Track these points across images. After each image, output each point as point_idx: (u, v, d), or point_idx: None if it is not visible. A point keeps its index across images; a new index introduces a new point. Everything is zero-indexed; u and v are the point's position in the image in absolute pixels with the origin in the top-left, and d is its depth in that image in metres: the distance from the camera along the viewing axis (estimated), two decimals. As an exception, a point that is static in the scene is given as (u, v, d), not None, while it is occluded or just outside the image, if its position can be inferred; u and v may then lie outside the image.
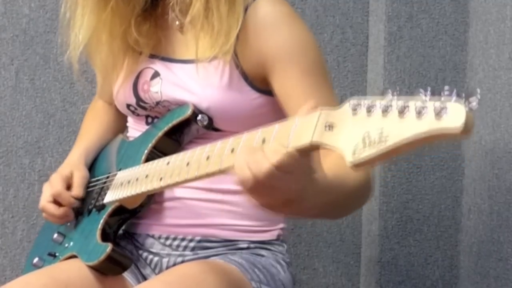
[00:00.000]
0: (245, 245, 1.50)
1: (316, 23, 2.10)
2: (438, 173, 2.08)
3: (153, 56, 1.53)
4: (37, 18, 2.04)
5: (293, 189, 1.09)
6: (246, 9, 1.44)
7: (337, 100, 1.47)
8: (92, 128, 1.70)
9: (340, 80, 2.13)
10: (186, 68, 1.48)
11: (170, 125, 1.47)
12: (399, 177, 2.07)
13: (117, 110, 1.66)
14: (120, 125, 1.69)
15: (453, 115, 0.90)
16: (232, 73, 1.44)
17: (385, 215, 2.08)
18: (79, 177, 1.59)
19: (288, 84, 1.43)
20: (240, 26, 1.42)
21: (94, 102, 1.80)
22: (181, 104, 1.47)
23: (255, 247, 1.50)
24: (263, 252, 1.51)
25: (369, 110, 0.98)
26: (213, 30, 1.42)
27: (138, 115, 1.56)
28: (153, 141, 1.48)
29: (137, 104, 1.54)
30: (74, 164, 1.61)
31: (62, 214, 1.56)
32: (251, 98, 1.46)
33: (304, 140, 1.06)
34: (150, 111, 1.54)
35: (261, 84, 1.46)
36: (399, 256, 2.09)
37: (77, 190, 1.57)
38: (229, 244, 1.50)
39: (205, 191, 1.49)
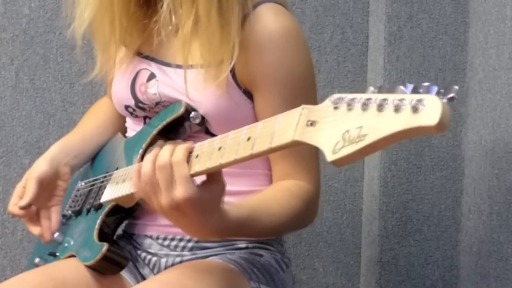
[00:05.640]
0: (243, 245, 1.50)
1: (316, 23, 2.10)
2: (438, 173, 2.08)
3: (147, 57, 1.53)
4: (37, 18, 2.04)
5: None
6: (246, 16, 1.42)
7: None
8: (86, 124, 1.69)
9: (340, 80, 2.13)
10: (181, 73, 1.47)
11: (164, 123, 1.48)
12: (399, 177, 2.07)
13: None
14: (121, 123, 1.68)
15: (429, 109, 0.90)
16: (228, 82, 1.44)
17: (385, 215, 2.08)
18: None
19: (268, 106, 1.43)
20: (240, 37, 1.40)
21: (99, 100, 1.80)
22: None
23: (254, 247, 1.50)
24: (262, 252, 1.50)
25: (349, 105, 0.98)
26: (202, 52, 1.42)
27: (136, 116, 1.56)
28: (148, 140, 1.48)
29: (136, 105, 1.54)
30: (35, 167, 1.57)
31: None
32: (246, 106, 1.46)
33: (286, 138, 1.06)
34: (149, 112, 1.54)
35: (251, 94, 1.46)
36: (399, 256, 2.08)
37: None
38: (228, 244, 1.49)
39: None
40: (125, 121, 1.63)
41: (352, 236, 2.16)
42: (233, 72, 1.43)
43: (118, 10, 1.48)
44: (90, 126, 1.67)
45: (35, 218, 1.56)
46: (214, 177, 1.20)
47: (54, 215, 1.57)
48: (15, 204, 1.55)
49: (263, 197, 1.39)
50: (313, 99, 1.48)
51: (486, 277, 1.95)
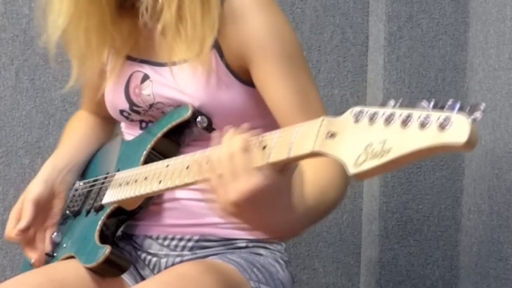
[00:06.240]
0: (243, 244, 1.50)
1: (316, 23, 2.10)
2: (438, 173, 2.08)
3: (138, 60, 1.52)
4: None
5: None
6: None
7: (316, 89, 1.47)
8: (71, 137, 1.68)
9: (340, 80, 2.13)
10: (172, 70, 1.46)
11: (170, 126, 1.46)
12: (399, 177, 2.07)
13: (98, 118, 1.66)
14: (103, 133, 1.68)
15: (457, 127, 0.89)
16: (219, 70, 1.44)
17: (385, 215, 2.08)
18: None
19: (265, 75, 1.42)
20: (219, 18, 1.40)
21: (76, 113, 1.78)
22: (175, 104, 1.47)
23: (254, 246, 1.50)
24: (261, 251, 1.50)
25: (371, 119, 0.97)
26: (187, 38, 1.41)
27: (132, 120, 1.56)
28: (152, 142, 1.47)
29: (131, 109, 1.53)
30: (30, 188, 1.57)
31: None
32: (240, 92, 1.45)
33: (305, 148, 1.05)
34: (144, 115, 1.53)
35: (246, 76, 1.45)
36: (399, 256, 2.09)
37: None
38: (227, 243, 1.49)
39: (203, 192, 1.48)
40: (111, 127, 1.64)
41: (352, 236, 2.16)
42: (222, 56, 1.43)
43: (95, 18, 1.47)
44: (76, 137, 1.67)
45: (33, 242, 1.56)
46: (279, 168, 1.12)
47: (48, 238, 1.57)
48: (12, 228, 1.55)
49: (315, 180, 1.33)
50: (302, 59, 1.46)
51: (486, 277, 1.95)
